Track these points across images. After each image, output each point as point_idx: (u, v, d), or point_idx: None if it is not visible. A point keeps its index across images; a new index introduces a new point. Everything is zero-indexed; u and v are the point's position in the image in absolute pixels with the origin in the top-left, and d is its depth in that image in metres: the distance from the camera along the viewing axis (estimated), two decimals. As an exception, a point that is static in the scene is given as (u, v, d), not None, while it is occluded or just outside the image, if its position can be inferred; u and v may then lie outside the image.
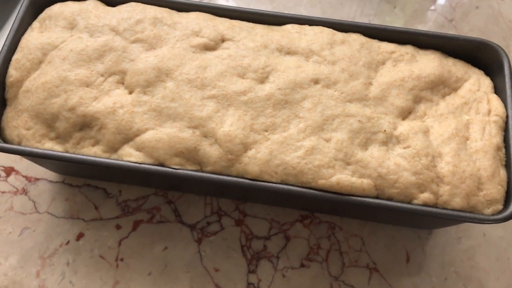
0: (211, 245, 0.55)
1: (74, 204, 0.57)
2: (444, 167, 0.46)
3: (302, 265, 0.55)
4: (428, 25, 0.72)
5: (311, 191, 0.45)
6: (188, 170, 0.45)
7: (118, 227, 0.56)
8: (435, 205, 0.45)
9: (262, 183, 0.45)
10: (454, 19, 0.73)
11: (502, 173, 0.46)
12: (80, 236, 0.55)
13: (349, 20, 0.72)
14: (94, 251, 0.55)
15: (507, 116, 0.49)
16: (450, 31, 0.72)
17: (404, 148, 0.46)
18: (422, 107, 0.50)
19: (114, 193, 0.58)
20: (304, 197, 0.45)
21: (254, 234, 0.56)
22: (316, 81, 0.49)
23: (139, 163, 0.45)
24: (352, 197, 0.45)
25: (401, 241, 0.56)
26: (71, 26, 0.52)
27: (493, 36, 0.71)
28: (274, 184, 0.45)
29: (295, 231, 0.56)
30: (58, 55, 0.50)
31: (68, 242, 0.55)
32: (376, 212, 0.52)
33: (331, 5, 0.75)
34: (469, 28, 0.72)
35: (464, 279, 0.55)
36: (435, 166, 0.46)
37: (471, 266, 0.55)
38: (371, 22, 0.72)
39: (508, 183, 0.46)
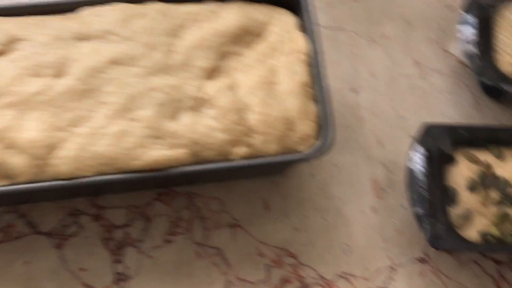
0: (73, 247, 0.55)
1: None
2: (254, 117, 0.46)
3: (167, 241, 0.55)
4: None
5: (127, 175, 0.45)
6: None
7: (-26, 255, 0.54)
8: (253, 156, 0.46)
9: (77, 180, 0.44)
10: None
11: (312, 108, 0.48)
12: None
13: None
14: (-48, 286, 0.53)
15: (314, 52, 0.49)
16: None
17: (212, 109, 0.47)
18: (229, 62, 0.50)
19: (-39, 223, 0.56)
20: (122, 183, 0.45)
21: (114, 225, 0.56)
22: (115, 62, 0.48)
23: None
24: (169, 170, 0.45)
25: (257, 192, 0.57)
26: None
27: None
28: (89, 178, 0.44)
29: (154, 210, 0.57)
30: None
31: None
32: (203, 176, 0.52)
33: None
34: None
35: (322, 211, 0.57)
36: (245, 119, 0.46)
37: (327, 197, 0.58)
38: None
39: (320, 117, 0.48)
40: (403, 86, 0.63)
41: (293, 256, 0.55)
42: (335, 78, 0.62)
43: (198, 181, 0.57)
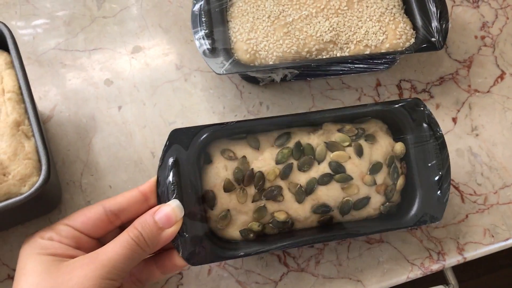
0: None
1: None
2: (-40, 171, 0.44)
3: None
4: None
5: None
6: None
7: None
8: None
9: None
10: None
11: (28, 145, 0.46)
12: None
13: None
14: None
15: (22, 88, 0.48)
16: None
17: None
18: None
19: None
20: None
21: None
22: None
23: None
24: None
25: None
26: None
27: None
28: None
29: None
30: None
31: None
32: None
33: None
34: None
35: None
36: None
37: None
38: None
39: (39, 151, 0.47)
40: (168, 92, 0.63)
41: None
42: (95, 102, 0.62)
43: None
